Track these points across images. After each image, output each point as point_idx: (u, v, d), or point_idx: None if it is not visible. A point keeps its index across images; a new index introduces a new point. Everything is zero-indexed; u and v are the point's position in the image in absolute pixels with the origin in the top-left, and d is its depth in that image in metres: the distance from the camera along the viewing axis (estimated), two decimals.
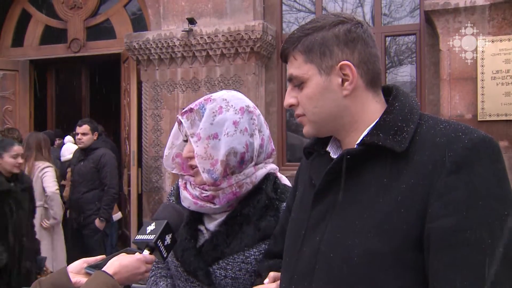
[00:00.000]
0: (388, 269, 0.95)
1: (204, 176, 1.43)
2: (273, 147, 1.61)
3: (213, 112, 1.45)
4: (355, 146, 1.07)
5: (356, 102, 1.09)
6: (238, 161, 1.47)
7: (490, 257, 0.87)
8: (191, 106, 1.48)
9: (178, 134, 1.58)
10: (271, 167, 1.57)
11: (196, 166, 1.46)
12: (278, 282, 1.24)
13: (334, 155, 1.16)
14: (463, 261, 0.89)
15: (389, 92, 1.13)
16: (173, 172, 1.59)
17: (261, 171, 1.52)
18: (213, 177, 1.43)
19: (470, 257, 0.88)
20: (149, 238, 1.32)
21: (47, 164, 4.91)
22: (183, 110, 1.49)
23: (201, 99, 1.50)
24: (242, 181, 1.47)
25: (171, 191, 1.70)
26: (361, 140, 1.06)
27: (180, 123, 1.51)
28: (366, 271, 0.97)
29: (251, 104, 1.54)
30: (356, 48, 1.08)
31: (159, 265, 1.66)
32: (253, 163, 1.51)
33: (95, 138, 5.32)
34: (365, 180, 1.03)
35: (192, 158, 1.47)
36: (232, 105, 1.47)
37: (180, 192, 1.55)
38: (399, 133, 1.02)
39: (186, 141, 1.52)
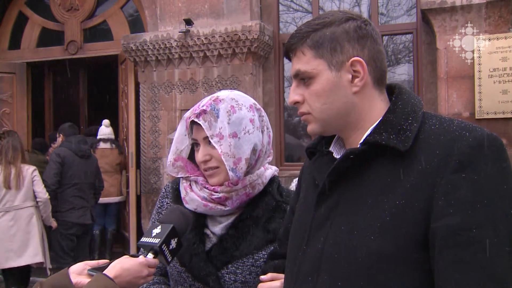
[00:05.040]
0: (393, 269, 0.94)
1: (230, 175, 1.41)
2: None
3: (227, 112, 1.41)
4: (358, 146, 1.06)
5: (364, 100, 1.08)
6: (256, 159, 1.46)
7: (496, 256, 0.87)
8: (202, 107, 1.42)
9: (183, 139, 1.52)
10: (275, 167, 1.57)
11: (214, 168, 1.43)
12: (282, 280, 1.23)
13: (337, 155, 1.15)
14: (468, 260, 0.88)
15: (392, 91, 1.12)
16: (178, 176, 1.54)
17: (269, 171, 1.52)
18: (237, 175, 1.41)
19: (475, 256, 0.88)
20: (154, 241, 1.30)
21: (33, 167, 4.95)
22: (195, 113, 1.43)
23: (208, 100, 1.45)
24: (255, 181, 1.46)
25: (163, 193, 1.64)
26: (364, 139, 1.05)
27: (188, 126, 1.47)
28: (371, 272, 0.96)
29: (255, 101, 1.52)
30: (366, 45, 1.07)
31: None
32: (264, 162, 1.50)
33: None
34: (369, 180, 1.02)
35: (208, 160, 1.43)
36: (242, 103, 1.45)
37: (185, 194, 1.50)
38: (403, 132, 1.01)
39: (195, 144, 1.47)
